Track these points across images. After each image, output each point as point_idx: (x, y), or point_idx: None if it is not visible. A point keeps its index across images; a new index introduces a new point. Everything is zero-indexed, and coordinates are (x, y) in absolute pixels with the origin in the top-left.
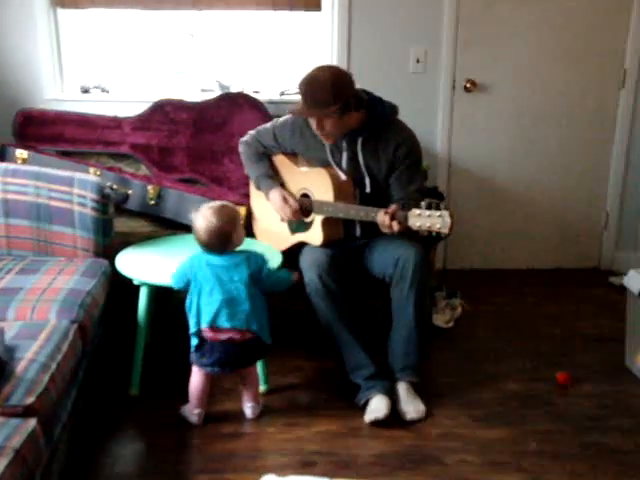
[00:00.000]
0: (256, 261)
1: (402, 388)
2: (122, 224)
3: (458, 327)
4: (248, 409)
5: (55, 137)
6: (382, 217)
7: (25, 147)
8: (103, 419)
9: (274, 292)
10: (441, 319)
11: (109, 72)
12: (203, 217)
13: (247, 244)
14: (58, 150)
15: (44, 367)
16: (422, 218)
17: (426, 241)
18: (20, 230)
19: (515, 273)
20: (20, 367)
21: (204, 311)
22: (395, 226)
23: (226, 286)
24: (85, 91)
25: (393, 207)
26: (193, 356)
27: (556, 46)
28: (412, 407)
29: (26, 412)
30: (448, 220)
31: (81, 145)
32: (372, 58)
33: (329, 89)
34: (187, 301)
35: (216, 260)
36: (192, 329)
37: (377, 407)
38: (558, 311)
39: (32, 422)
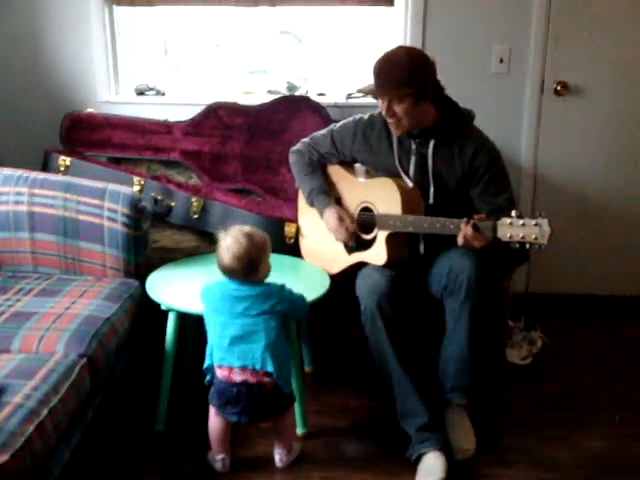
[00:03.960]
0: (279, 293)
1: (452, 412)
2: (167, 238)
3: (536, 365)
4: (277, 455)
5: (103, 142)
6: (464, 228)
7: (72, 153)
8: (121, 461)
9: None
10: (516, 354)
11: (166, 74)
12: (232, 237)
13: (295, 265)
14: (107, 156)
15: (31, 414)
16: (514, 228)
17: (512, 259)
18: (46, 246)
19: (610, 301)
20: (3, 415)
21: (217, 346)
22: (477, 242)
23: (240, 320)
24: (140, 93)
25: (478, 216)
26: (210, 396)
27: None
28: (464, 436)
29: None
30: (547, 229)
31: (130, 151)
32: (449, 58)
33: (406, 68)
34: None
35: (233, 290)
36: (205, 364)
37: (431, 468)
38: None
39: None
